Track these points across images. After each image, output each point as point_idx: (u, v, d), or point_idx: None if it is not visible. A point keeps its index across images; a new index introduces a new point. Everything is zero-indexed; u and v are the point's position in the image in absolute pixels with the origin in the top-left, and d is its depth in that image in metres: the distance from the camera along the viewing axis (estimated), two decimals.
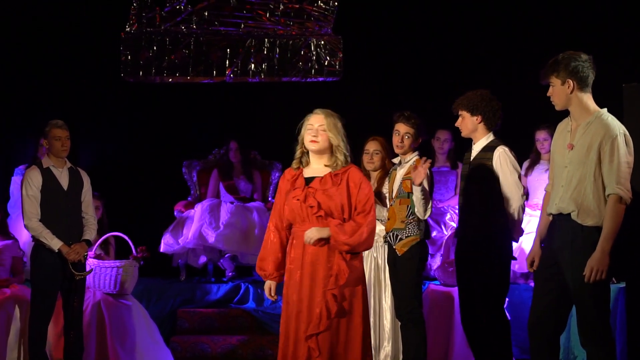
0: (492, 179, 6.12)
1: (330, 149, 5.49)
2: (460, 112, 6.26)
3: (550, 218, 5.43)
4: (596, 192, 5.16)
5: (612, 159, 5.11)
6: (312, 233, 5.39)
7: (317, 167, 5.54)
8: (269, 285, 5.55)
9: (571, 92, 5.24)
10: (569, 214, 5.22)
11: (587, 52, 5.31)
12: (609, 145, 5.11)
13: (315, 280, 5.41)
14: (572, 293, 5.21)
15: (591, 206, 5.17)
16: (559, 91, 5.26)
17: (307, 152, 5.53)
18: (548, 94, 5.34)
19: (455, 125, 6.32)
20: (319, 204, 5.41)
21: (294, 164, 5.57)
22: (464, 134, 6.32)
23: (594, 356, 5.22)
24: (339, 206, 5.43)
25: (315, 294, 5.39)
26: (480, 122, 6.22)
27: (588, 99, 5.27)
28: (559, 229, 5.29)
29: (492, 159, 6.14)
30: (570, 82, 5.22)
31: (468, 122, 6.25)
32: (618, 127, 5.16)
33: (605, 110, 5.26)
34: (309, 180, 5.49)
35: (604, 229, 5.11)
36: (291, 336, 5.40)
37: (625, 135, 5.17)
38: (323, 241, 5.40)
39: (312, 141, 5.46)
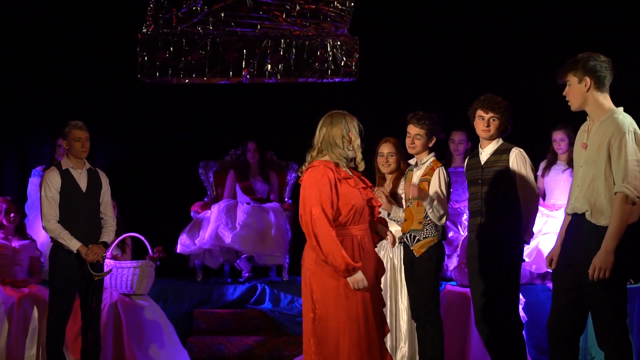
0: (509, 180, 6.13)
1: None
2: (495, 115, 6.23)
3: (570, 218, 5.43)
4: (608, 191, 5.13)
5: (619, 156, 5.08)
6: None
7: (347, 168, 5.55)
8: (362, 276, 5.27)
9: (587, 91, 5.20)
10: (583, 214, 5.20)
11: (606, 52, 5.29)
12: (617, 142, 5.08)
13: (372, 277, 5.44)
14: (587, 294, 5.20)
15: (603, 205, 5.14)
16: (575, 90, 5.23)
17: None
18: (564, 94, 5.31)
19: (484, 126, 6.27)
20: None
21: (344, 164, 5.47)
22: (487, 136, 6.29)
23: (611, 358, 5.20)
24: None
25: (375, 292, 5.45)
26: (503, 129, 6.26)
27: (604, 98, 5.24)
28: (575, 229, 5.27)
29: (508, 160, 6.16)
30: (588, 79, 5.18)
31: (498, 127, 6.26)
32: (628, 125, 5.12)
33: (620, 109, 5.23)
34: None
35: (609, 228, 5.07)
36: (369, 336, 5.35)
37: (635, 133, 5.12)
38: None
39: None
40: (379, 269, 5.56)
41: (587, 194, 5.19)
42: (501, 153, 6.22)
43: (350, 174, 5.48)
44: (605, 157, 5.12)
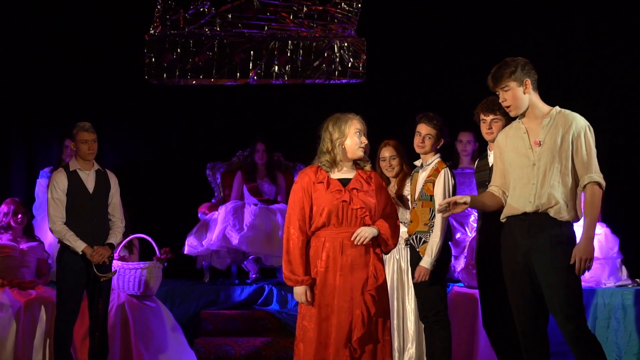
0: None
1: None
2: (496, 117, 6.23)
3: (504, 221, 5.49)
4: (572, 184, 5.29)
5: (586, 148, 5.26)
6: (367, 232, 5.44)
7: (345, 169, 5.56)
8: (305, 290, 5.40)
9: (526, 93, 5.35)
10: (546, 211, 5.27)
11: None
12: (582, 136, 5.26)
13: (354, 282, 5.42)
14: (551, 292, 5.23)
15: (568, 199, 5.27)
16: (516, 93, 5.36)
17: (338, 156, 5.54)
18: (502, 100, 5.41)
19: (487, 130, 6.28)
20: (366, 205, 5.47)
21: (328, 168, 5.52)
22: (492, 138, 6.28)
23: (584, 356, 5.22)
24: (375, 205, 5.54)
25: (355, 296, 5.41)
26: None
27: (538, 98, 5.42)
28: (530, 228, 5.32)
29: None
30: (528, 81, 5.34)
31: (501, 129, 6.25)
32: (584, 119, 5.34)
33: (557, 107, 5.41)
34: (344, 182, 5.50)
35: (589, 217, 5.24)
36: (331, 340, 5.37)
37: (590, 126, 5.33)
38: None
39: (363, 148, 5.56)
40: (363, 275, 5.46)
41: (553, 189, 5.26)
42: None
43: (332, 177, 5.52)
44: (568, 152, 5.27)
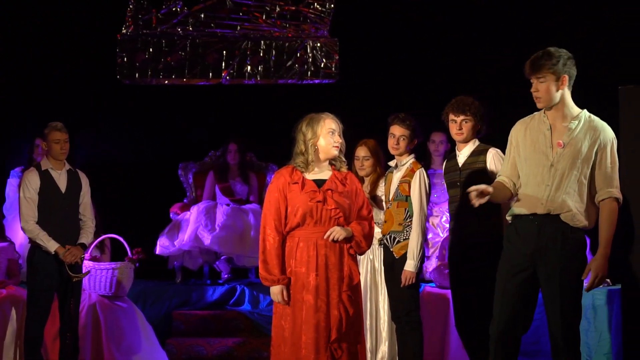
0: (487, 181, 6.09)
1: None
2: (466, 117, 6.23)
3: (509, 219, 5.42)
4: (588, 193, 5.16)
5: (611, 162, 5.14)
6: (339, 232, 5.45)
7: (320, 169, 5.57)
8: (281, 289, 5.42)
9: (560, 88, 5.18)
10: (558, 215, 5.17)
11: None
12: (608, 149, 5.14)
13: (330, 283, 5.44)
14: (557, 296, 5.16)
15: (583, 207, 5.16)
16: (550, 87, 5.17)
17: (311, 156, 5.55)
18: (534, 90, 5.22)
19: (457, 130, 6.27)
20: (340, 206, 5.47)
21: (302, 168, 5.53)
22: (462, 139, 6.29)
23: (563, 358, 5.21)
24: (350, 207, 5.55)
25: (332, 297, 5.43)
26: (478, 130, 6.25)
27: (570, 97, 5.24)
28: (541, 231, 5.21)
29: (485, 161, 6.17)
30: (565, 77, 5.17)
31: (471, 129, 6.25)
32: (611, 130, 5.20)
33: (585, 110, 5.27)
34: (319, 183, 5.51)
35: (606, 233, 5.11)
36: (307, 340, 5.37)
37: (615, 139, 5.22)
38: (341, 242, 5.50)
39: (337, 147, 5.55)
40: (338, 275, 5.49)
41: (567, 196, 5.16)
42: (478, 154, 6.22)
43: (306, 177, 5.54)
44: (591, 160, 5.14)
